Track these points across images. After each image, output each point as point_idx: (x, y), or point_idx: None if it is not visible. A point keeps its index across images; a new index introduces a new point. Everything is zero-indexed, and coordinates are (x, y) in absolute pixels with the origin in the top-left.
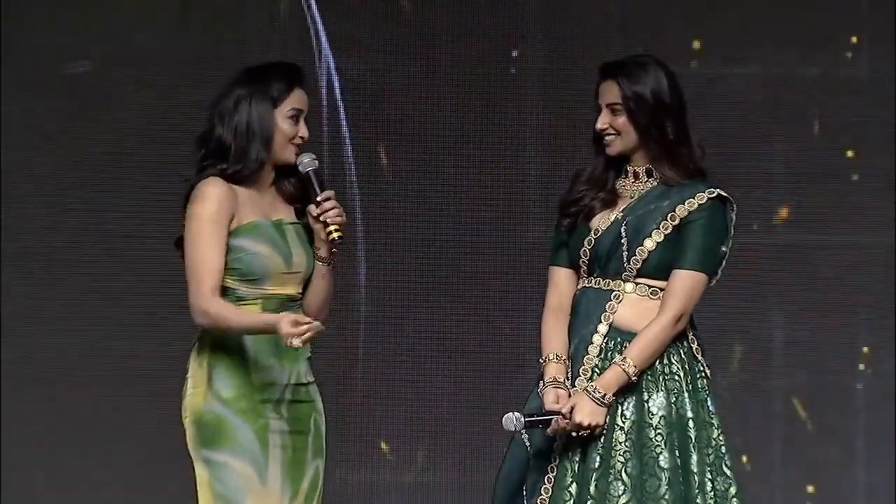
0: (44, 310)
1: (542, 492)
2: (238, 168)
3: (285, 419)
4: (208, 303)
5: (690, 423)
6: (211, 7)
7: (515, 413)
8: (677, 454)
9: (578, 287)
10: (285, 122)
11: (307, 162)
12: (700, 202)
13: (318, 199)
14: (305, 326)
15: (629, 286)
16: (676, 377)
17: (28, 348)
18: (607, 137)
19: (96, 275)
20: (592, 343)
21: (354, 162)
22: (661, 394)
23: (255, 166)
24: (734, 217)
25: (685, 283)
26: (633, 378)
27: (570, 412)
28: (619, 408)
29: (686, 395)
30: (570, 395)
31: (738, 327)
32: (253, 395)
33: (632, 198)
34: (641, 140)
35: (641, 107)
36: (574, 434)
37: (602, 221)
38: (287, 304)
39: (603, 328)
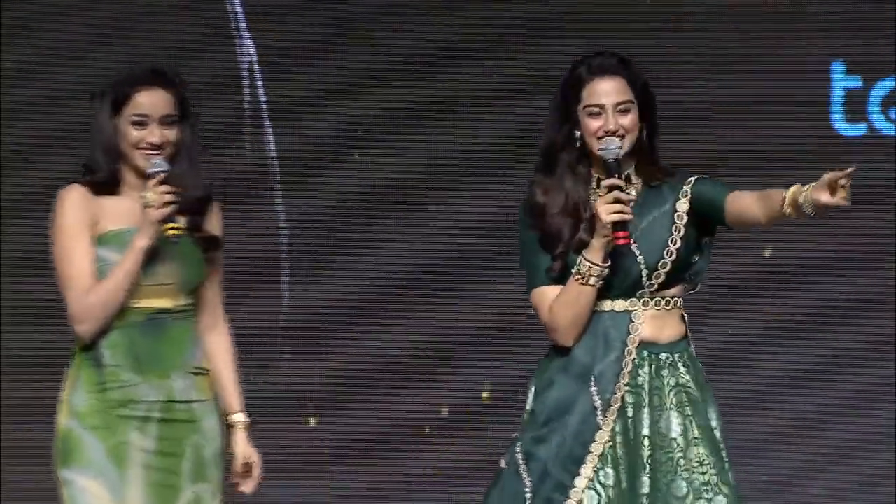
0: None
1: None
2: (94, 177)
3: (153, 438)
4: (82, 301)
5: (719, 435)
6: None
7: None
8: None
9: None
10: (129, 127)
11: (154, 164)
12: (692, 182)
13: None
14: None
15: (649, 303)
16: (709, 387)
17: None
18: (617, 140)
19: None
20: (622, 371)
21: (278, 159)
22: (702, 405)
23: (107, 175)
24: None
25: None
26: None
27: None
28: (656, 427)
29: (713, 406)
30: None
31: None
32: (109, 411)
33: None
34: (646, 137)
35: (650, 100)
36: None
37: None
38: (154, 316)
39: (631, 349)
